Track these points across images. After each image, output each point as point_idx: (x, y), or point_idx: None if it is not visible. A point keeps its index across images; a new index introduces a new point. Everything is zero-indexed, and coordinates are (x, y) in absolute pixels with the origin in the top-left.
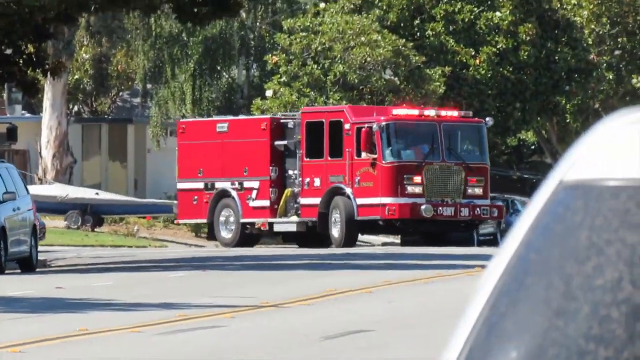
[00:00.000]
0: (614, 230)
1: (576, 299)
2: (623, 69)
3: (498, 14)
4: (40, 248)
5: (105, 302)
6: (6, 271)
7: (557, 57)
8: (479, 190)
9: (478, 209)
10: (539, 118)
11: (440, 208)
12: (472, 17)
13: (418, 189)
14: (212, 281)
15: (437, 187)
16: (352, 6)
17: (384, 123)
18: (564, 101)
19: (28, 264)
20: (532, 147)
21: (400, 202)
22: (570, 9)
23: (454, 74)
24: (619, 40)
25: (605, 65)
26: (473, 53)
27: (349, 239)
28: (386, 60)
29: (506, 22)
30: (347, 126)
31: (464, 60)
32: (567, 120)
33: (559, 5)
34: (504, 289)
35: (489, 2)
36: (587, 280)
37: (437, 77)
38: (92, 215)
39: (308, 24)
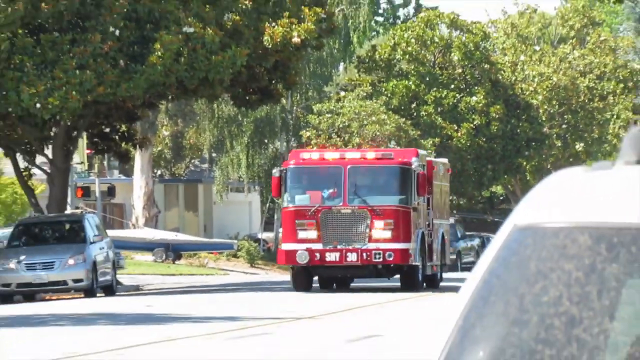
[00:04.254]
0: (555, 260)
1: (527, 311)
2: (569, 138)
3: (474, 98)
4: (133, 277)
5: (184, 316)
6: (97, 295)
7: (519, 130)
8: (387, 234)
9: (367, 253)
10: (505, 176)
11: (327, 253)
12: (455, 101)
13: (313, 235)
14: (261, 300)
15: (333, 231)
16: (364, 94)
17: (283, 168)
18: (524, 163)
19: (110, 290)
20: (501, 197)
21: (285, 248)
22: (528, 94)
23: (441, 144)
24: (565, 117)
25: (555, 135)
26: (456, 128)
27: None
28: (391, 134)
29: (480, 104)
30: None
31: (449, 134)
32: (527, 178)
33: (520, 91)
34: (474, 305)
35: (467, 90)
36: (535, 297)
37: (429, 146)
38: (173, 251)
39: (332, 107)
